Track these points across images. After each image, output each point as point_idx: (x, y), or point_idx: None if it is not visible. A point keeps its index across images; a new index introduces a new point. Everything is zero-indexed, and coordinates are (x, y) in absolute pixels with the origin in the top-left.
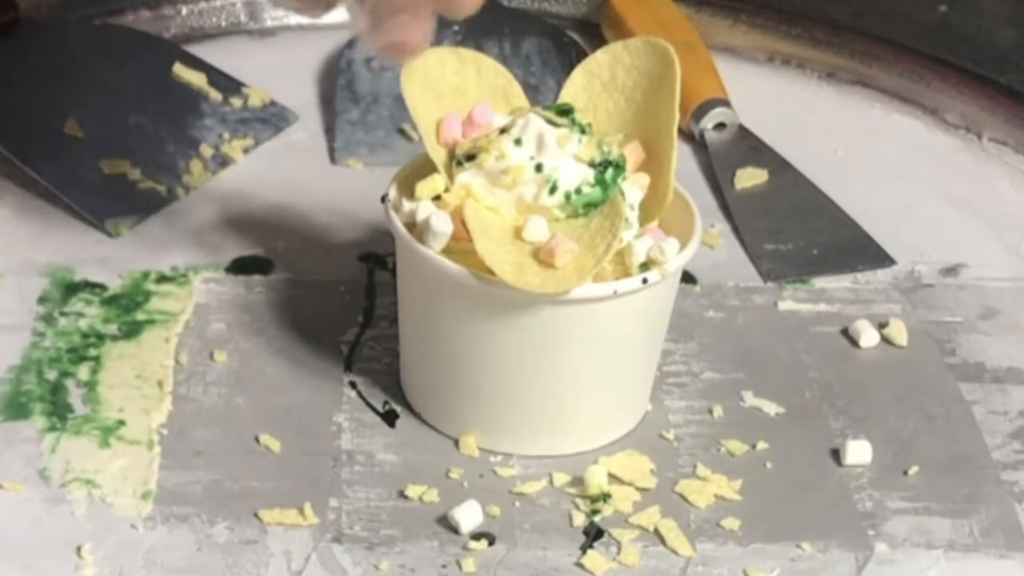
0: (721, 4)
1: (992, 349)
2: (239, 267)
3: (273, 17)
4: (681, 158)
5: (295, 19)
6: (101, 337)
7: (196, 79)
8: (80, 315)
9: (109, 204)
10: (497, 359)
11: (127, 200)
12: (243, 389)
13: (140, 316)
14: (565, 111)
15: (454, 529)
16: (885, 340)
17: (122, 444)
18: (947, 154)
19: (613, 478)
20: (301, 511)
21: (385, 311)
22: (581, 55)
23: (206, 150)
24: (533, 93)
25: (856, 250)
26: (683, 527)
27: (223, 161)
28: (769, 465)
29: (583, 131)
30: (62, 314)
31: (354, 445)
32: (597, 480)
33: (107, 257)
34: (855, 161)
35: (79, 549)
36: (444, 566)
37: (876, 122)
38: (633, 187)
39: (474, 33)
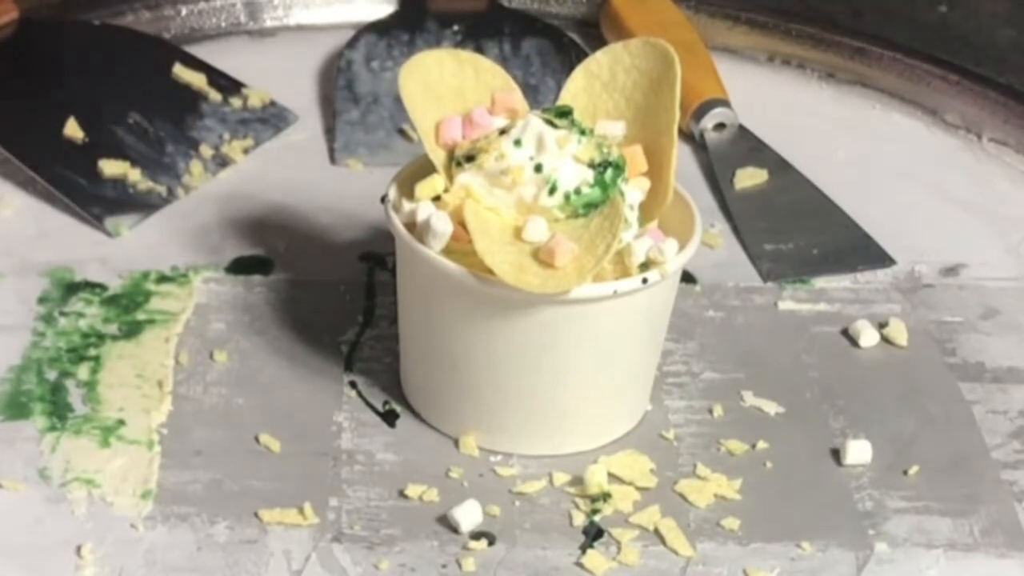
0: (721, 5)
1: (992, 349)
2: (239, 267)
3: (273, 17)
4: (681, 158)
5: (295, 19)
6: (101, 337)
7: (196, 79)
8: (80, 315)
9: (109, 204)
10: (497, 359)
11: (127, 200)
12: (243, 389)
13: (140, 316)
14: (565, 113)
15: (454, 529)
16: (885, 340)
17: (122, 444)
18: (947, 154)
19: (613, 478)
20: (301, 511)
21: (385, 311)
22: (581, 55)
23: (206, 150)
24: (533, 93)
25: (856, 250)
26: (683, 527)
27: (223, 161)
28: (769, 465)
29: (583, 132)
30: (62, 314)
31: (354, 445)
32: (597, 480)
33: (107, 257)
34: (855, 161)
35: (79, 549)
36: (444, 566)
37: (876, 122)
38: (633, 187)
39: (474, 34)
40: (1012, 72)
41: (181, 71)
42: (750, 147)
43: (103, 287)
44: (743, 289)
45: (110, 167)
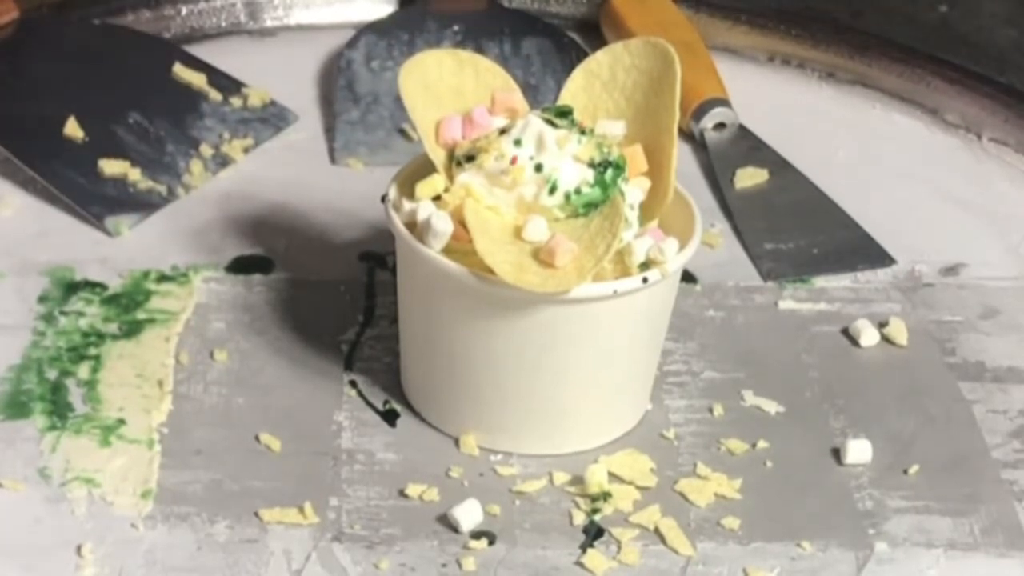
0: (721, 4)
1: (992, 349)
2: (239, 266)
3: (273, 17)
4: (681, 158)
5: (295, 19)
6: (101, 336)
7: (196, 79)
8: (80, 314)
9: (109, 204)
10: (497, 359)
11: (127, 200)
12: (243, 388)
13: (140, 315)
14: (565, 112)
15: (454, 528)
16: (885, 339)
17: (122, 443)
18: (947, 154)
19: (613, 477)
20: (301, 510)
21: (385, 310)
22: (581, 55)
23: (206, 150)
24: (533, 93)
25: (856, 250)
26: (683, 526)
27: (223, 161)
28: (769, 464)
29: (583, 132)
30: (62, 313)
31: (354, 444)
32: (597, 479)
33: (107, 257)
34: (855, 161)
35: (79, 548)
36: (444, 565)
37: (876, 122)
38: (633, 187)
39: (474, 33)
40: (1012, 72)
41: (181, 71)
42: (750, 147)
43: (103, 286)
44: (743, 289)
45: (110, 167)
